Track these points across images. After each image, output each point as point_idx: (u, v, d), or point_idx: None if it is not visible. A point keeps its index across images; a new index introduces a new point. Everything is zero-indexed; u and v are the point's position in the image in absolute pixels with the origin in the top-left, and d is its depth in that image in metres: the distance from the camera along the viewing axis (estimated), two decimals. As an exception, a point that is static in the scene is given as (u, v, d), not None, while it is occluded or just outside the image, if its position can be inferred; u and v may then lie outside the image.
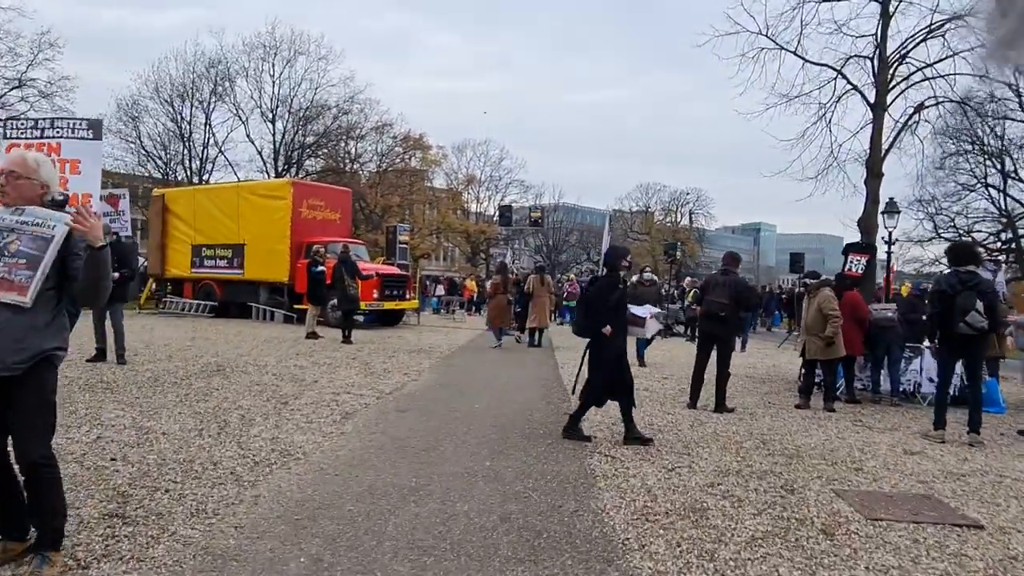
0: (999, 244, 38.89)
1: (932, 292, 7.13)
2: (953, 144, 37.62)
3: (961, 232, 39.01)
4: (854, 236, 13.78)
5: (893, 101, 12.96)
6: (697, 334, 8.85)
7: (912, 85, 12.83)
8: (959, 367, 7.70)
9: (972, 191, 37.92)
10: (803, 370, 9.07)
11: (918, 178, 38.22)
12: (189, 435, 5.78)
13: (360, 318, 19.18)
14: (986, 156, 37.74)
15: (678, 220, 71.18)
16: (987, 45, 1.77)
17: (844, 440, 6.86)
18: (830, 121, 13.90)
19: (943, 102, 13.26)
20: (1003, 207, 37.89)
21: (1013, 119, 35.77)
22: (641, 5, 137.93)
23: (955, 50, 12.34)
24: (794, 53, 13.69)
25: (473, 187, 59.55)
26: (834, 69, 13.70)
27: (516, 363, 12.21)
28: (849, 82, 13.42)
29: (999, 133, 36.55)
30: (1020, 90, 33.82)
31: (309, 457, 5.32)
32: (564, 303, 23.96)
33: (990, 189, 37.73)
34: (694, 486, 5.00)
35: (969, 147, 37.09)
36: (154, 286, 22.11)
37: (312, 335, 14.22)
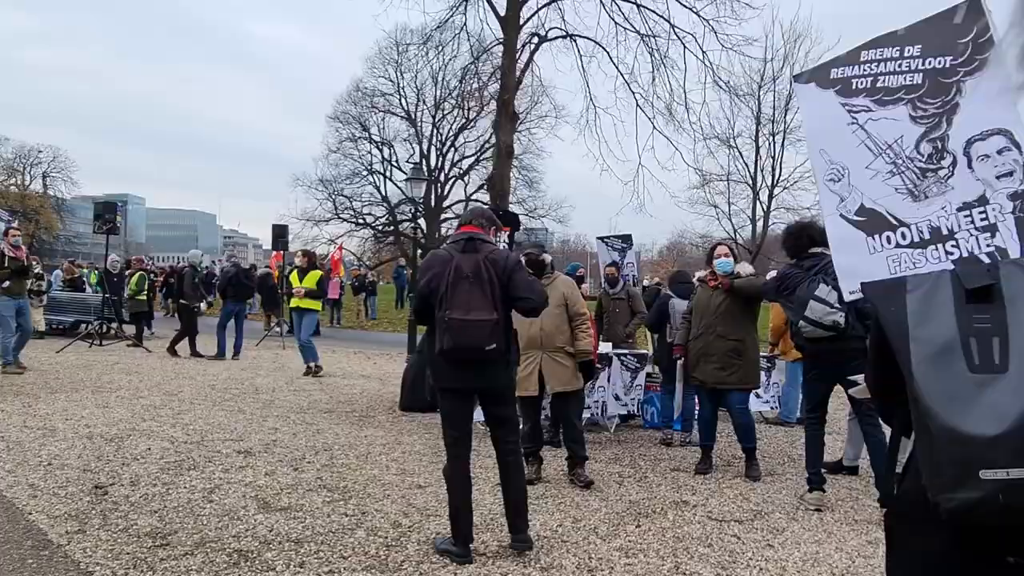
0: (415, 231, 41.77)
1: (783, 295, 4.67)
2: (347, 130, 38.95)
3: (357, 213, 40.49)
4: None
5: (528, 19, 10.18)
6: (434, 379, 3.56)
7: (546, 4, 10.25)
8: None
9: (361, 176, 39.94)
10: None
11: (325, 158, 38.48)
12: None
13: None
14: (374, 144, 40.07)
15: (27, 183, 56.71)
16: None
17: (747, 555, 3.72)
18: (461, 31, 10.12)
19: (560, 37, 11.15)
20: (384, 193, 40.73)
21: (395, 114, 38.86)
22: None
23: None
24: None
25: None
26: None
27: None
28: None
29: (380, 126, 39.04)
30: (402, 89, 36.91)
31: None
32: None
33: (375, 176, 40.22)
34: None
35: (362, 134, 38.78)
36: None
37: None
